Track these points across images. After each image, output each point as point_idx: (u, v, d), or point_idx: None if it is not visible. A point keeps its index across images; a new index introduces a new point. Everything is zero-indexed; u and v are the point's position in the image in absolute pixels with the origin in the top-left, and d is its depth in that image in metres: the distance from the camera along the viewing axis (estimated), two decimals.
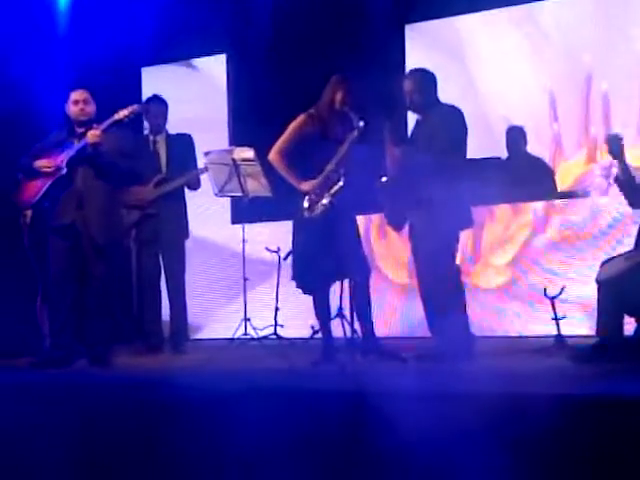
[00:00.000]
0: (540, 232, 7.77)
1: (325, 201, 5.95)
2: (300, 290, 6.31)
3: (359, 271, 6.11)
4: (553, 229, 7.74)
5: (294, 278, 6.27)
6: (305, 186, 6.08)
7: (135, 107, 6.76)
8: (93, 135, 6.40)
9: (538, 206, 7.84)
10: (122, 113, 6.56)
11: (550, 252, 7.72)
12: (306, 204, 6.01)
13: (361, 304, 6.12)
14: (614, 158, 5.71)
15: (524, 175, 7.72)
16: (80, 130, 6.55)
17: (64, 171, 6.46)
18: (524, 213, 7.89)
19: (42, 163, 6.50)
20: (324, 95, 6.22)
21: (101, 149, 6.44)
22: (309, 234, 6.04)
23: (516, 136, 8.00)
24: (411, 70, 6.48)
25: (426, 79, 6.25)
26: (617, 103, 7.72)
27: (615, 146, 5.66)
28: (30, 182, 6.60)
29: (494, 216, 7.90)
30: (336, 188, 5.95)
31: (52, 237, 6.59)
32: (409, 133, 6.46)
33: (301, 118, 6.25)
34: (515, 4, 8.19)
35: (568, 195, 7.83)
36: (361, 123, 5.97)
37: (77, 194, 6.51)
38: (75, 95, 6.60)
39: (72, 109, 6.59)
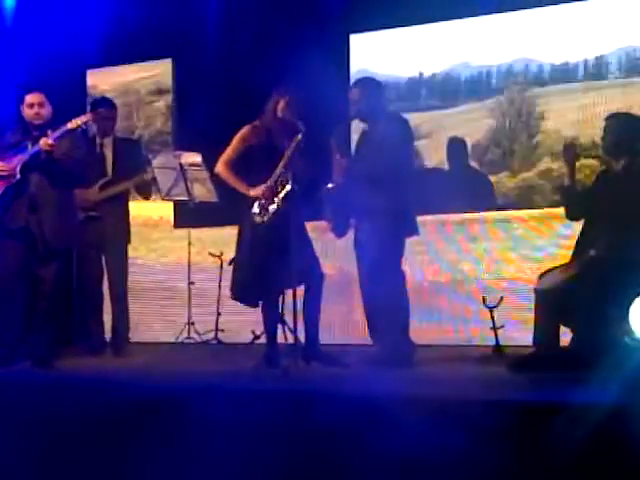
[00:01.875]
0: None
1: (274, 205, 5.96)
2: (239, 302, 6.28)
3: (313, 276, 6.15)
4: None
5: (236, 290, 6.22)
6: (254, 192, 6.07)
7: (89, 116, 6.77)
8: (45, 143, 6.36)
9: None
10: (75, 122, 6.51)
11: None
12: (256, 209, 6.01)
13: (311, 309, 6.16)
14: (567, 166, 5.84)
15: (465, 186, 7.84)
16: (36, 133, 6.52)
17: (18, 177, 6.43)
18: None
19: None
20: (267, 106, 6.24)
21: (54, 156, 6.41)
22: (258, 242, 6.04)
23: (456, 148, 8.11)
24: (358, 79, 6.56)
25: (373, 88, 6.33)
26: None
27: (570, 154, 5.80)
28: None
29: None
30: (284, 192, 5.96)
31: (4, 240, 6.56)
32: (355, 142, 6.51)
33: (245, 129, 6.26)
34: (461, 17, 8.23)
35: (507, 207, 7.93)
36: (302, 127, 5.98)
37: (30, 198, 6.48)
38: (30, 98, 6.55)
39: (27, 112, 6.56)
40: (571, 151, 5.91)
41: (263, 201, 6.01)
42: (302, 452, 4.25)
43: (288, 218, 5.86)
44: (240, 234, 6.25)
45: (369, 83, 6.38)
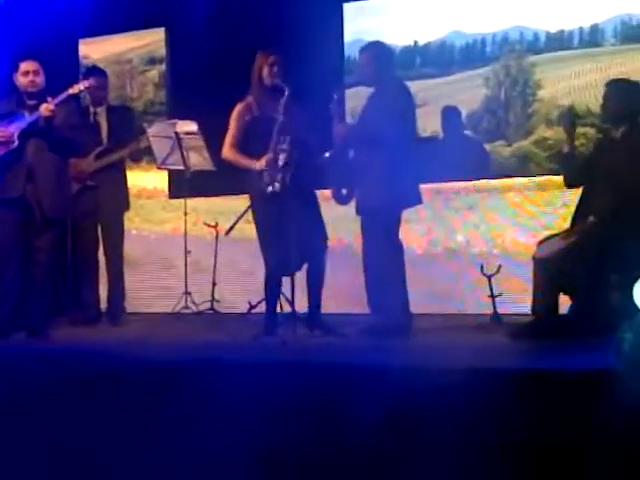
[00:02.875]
0: None
1: (281, 173, 5.92)
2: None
3: (318, 246, 6.16)
4: None
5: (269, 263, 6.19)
6: (259, 164, 6.03)
7: (91, 81, 6.76)
8: (47, 109, 6.29)
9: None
10: (77, 87, 6.49)
11: None
12: (266, 180, 5.97)
13: (314, 278, 6.19)
14: (565, 132, 5.82)
15: (459, 155, 7.80)
16: (31, 102, 6.46)
17: (15, 144, 6.37)
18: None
19: None
20: (252, 75, 6.21)
21: (53, 123, 6.36)
22: (270, 211, 6.01)
23: (451, 117, 8.07)
24: (369, 43, 6.49)
25: (384, 53, 6.30)
26: None
27: (568, 121, 5.78)
28: None
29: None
30: (285, 157, 5.92)
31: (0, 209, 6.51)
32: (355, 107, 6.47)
33: (237, 107, 6.24)
34: None
35: (503, 175, 7.90)
36: (286, 88, 5.97)
37: (27, 166, 6.43)
38: (25, 66, 6.49)
39: (21, 80, 6.49)
40: (570, 117, 5.90)
41: (270, 171, 5.97)
42: (300, 423, 4.22)
43: (297, 185, 5.87)
44: (253, 206, 6.25)
45: (380, 48, 6.34)
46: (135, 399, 4.58)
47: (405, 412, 4.00)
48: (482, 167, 7.92)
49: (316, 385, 4.32)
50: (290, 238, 5.85)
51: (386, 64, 6.23)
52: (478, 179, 7.94)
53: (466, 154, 7.88)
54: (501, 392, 3.98)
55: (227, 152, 6.26)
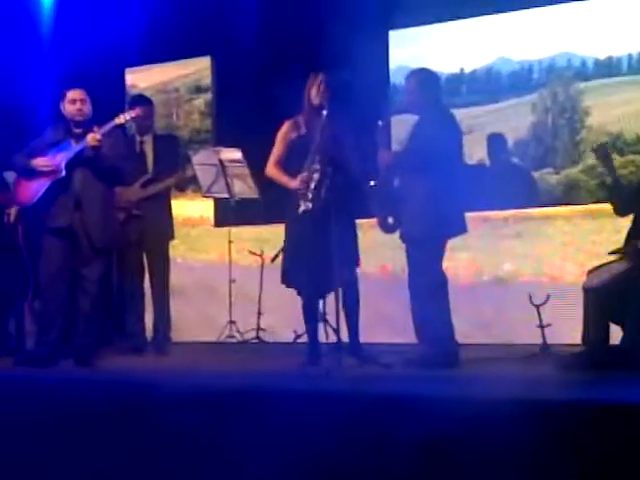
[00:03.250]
0: None
1: (312, 193, 5.92)
2: (293, 289, 6.23)
3: (351, 272, 6.12)
4: None
5: (285, 276, 6.21)
6: (294, 182, 6.05)
7: (137, 111, 6.78)
8: (93, 139, 6.31)
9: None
10: (123, 117, 6.53)
11: None
12: (299, 199, 5.97)
13: (350, 305, 6.12)
14: (604, 166, 5.74)
15: (506, 183, 7.74)
16: (78, 130, 6.49)
17: (63, 173, 6.37)
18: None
19: (40, 162, 6.40)
20: (304, 96, 6.23)
21: (100, 152, 6.37)
22: (302, 231, 6.01)
23: (497, 145, 8.01)
24: (414, 70, 6.44)
25: (430, 79, 6.24)
26: None
27: (603, 155, 5.70)
28: (24, 182, 6.53)
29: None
30: (318, 177, 5.92)
31: (47, 237, 6.51)
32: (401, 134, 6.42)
33: (284, 126, 6.29)
34: (501, 11, 8.12)
35: (551, 204, 7.83)
36: (326, 108, 5.95)
37: (75, 196, 6.44)
38: (72, 94, 6.51)
39: (69, 108, 6.51)
40: (602, 151, 5.81)
41: (303, 190, 5.98)
42: (344, 454, 4.17)
43: (332, 208, 5.83)
44: (286, 227, 6.25)
45: (426, 74, 6.28)
46: (180, 428, 4.55)
47: (450, 444, 3.94)
48: (530, 195, 7.85)
49: (359, 415, 4.26)
50: (321, 258, 5.83)
51: (432, 91, 6.17)
52: (526, 207, 7.85)
53: (513, 182, 7.81)
54: (550, 425, 3.88)
55: (270, 169, 6.30)
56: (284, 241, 6.31)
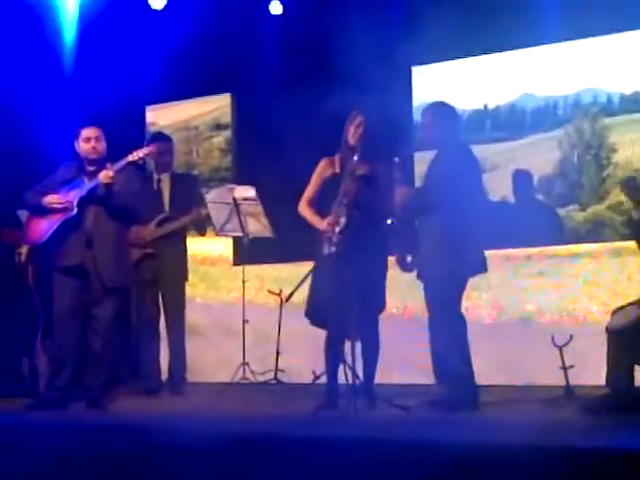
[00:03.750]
0: None
1: (337, 236, 5.83)
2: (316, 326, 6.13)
3: (374, 317, 6.04)
4: None
5: (312, 315, 6.11)
6: (321, 224, 5.98)
7: (151, 149, 6.73)
8: (106, 176, 6.27)
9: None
10: (136, 155, 6.47)
11: None
12: (324, 241, 5.90)
13: (368, 350, 6.04)
14: (631, 200, 5.59)
15: (531, 220, 7.61)
16: (91, 168, 6.45)
17: (75, 211, 6.32)
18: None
19: (52, 199, 6.35)
20: (344, 133, 6.16)
21: (113, 189, 6.32)
22: (328, 272, 5.91)
23: (522, 181, 7.89)
24: (431, 103, 6.34)
25: (447, 114, 6.13)
26: None
27: (631, 188, 5.55)
28: (36, 220, 6.48)
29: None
30: (344, 221, 5.83)
31: (58, 276, 6.44)
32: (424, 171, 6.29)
33: (321, 163, 6.25)
34: (525, 46, 8.01)
35: (576, 241, 7.69)
36: (358, 153, 5.90)
37: (86, 234, 6.38)
38: (87, 132, 6.49)
39: (83, 146, 6.48)
40: (631, 184, 5.65)
41: (329, 234, 5.89)
42: None
43: (357, 251, 5.76)
44: (314, 266, 6.16)
45: (442, 108, 6.17)
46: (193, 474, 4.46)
47: None
48: (554, 232, 7.73)
49: (374, 460, 4.15)
50: (347, 302, 5.71)
51: (448, 126, 6.06)
52: (550, 245, 7.73)
53: (537, 219, 7.69)
54: (573, 473, 3.73)
55: (302, 207, 6.24)
56: (311, 279, 6.18)
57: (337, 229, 5.85)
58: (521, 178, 7.91)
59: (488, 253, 6.09)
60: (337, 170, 6.15)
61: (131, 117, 9.41)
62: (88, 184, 6.38)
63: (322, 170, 6.22)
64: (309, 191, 6.24)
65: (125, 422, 5.71)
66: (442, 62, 8.41)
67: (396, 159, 5.98)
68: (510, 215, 7.71)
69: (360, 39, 7.96)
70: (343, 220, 5.84)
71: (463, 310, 5.97)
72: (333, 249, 5.83)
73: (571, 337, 6.71)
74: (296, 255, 7.50)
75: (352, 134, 6.08)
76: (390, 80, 7.73)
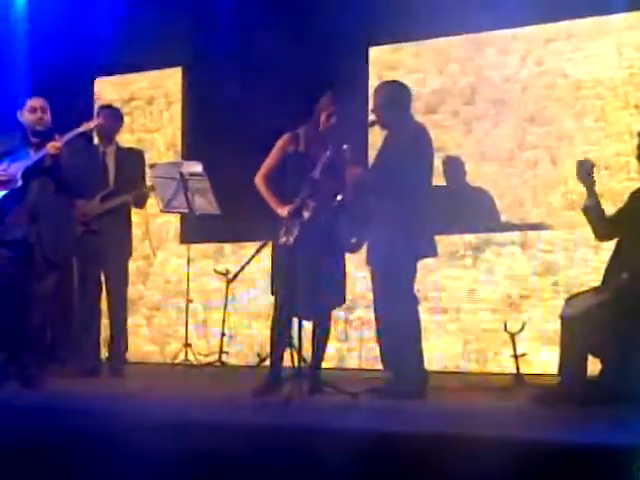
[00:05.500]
0: None
1: (297, 229, 5.66)
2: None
3: (328, 304, 5.94)
4: None
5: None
6: (281, 211, 5.81)
7: (99, 120, 6.69)
8: (54, 147, 6.12)
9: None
10: (86, 126, 6.38)
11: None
12: (282, 230, 5.73)
13: (320, 337, 5.94)
14: (583, 185, 5.46)
15: (467, 205, 7.51)
16: (36, 140, 6.28)
17: (19, 183, 6.17)
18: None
19: None
20: (314, 114, 5.97)
21: (60, 161, 6.16)
22: (286, 257, 5.74)
23: (454, 166, 7.73)
24: (383, 82, 6.19)
25: (399, 93, 5.94)
26: None
27: (585, 172, 5.41)
28: None
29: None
30: (307, 217, 5.68)
31: (0, 250, 6.27)
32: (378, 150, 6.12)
33: (284, 138, 6.04)
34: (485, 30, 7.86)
35: (513, 228, 7.61)
36: (330, 149, 5.73)
37: (31, 207, 6.22)
38: (33, 102, 6.31)
39: (28, 117, 6.30)
40: (586, 168, 5.52)
41: (289, 222, 5.72)
42: None
43: (315, 237, 5.65)
44: (272, 248, 6.03)
45: (394, 87, 5.99)
46: (128, 458, 4.19)
47: None
48: (491, 217, 7.63)
49: (318, 452, 3.92)
50: (301, 284, 5.61)
51: (400, 106, 5.87)
52: (499, 231, 7.64)
53: (474, 204, 7.57)
54: (523, 467, 3.54)
55: (259, 180, 6.03)
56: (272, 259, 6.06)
57: (298, 221, 5.68)
58: (452, 163, 7.72)
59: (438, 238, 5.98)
60: (301, 148, 5.96)
61: (78, 89, 9.19)
62: (34, 156, 6.22)
63: (284, 144, 6.01)
64: (268, 165, 6.03)
65: (61, 403, 5.50)
66: (398, 43, 8.22)
67: (345, 146, 5.79)
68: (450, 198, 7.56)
69: (314, 19, 7.86)
70: (307, 214, 5.69)
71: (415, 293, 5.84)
72: (291, 239, 5.67)
73: (523, 325, 6.69)
74: (243, 235, 7.36)
75: (323, 121, 5.91)
76: (345, 60, 7.63)
